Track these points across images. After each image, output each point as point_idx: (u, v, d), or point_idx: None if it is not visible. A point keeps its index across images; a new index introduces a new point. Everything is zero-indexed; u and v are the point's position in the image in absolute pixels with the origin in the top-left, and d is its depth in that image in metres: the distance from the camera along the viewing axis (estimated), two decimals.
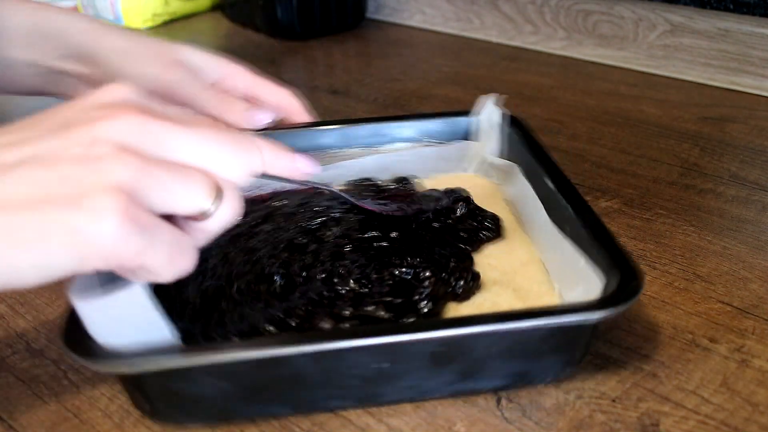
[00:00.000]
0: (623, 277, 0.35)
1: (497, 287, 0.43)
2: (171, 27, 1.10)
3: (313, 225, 0.46)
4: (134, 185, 0.28)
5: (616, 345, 0.40)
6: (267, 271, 0.42)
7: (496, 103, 0.55)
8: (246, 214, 0.48)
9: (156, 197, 0.29)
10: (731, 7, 0.74)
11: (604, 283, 0.36)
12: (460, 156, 0.56)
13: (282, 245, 0.44)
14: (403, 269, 0.42)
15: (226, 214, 0.31)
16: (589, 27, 0.87)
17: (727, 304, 0.43)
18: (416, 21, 1.05)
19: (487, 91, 0.79)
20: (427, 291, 0.40)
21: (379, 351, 0.33)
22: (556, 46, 0.91)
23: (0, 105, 0.73)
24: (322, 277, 0.41)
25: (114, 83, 0.32)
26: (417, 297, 0.39)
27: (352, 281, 0.40)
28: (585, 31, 0.88)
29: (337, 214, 0.47)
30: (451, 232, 0.46)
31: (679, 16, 0.79)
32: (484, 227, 0.47)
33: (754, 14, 0.73)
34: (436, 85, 0.82)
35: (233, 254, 0.44)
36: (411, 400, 0.36)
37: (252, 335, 0.37)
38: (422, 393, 0.36)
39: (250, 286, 0.41)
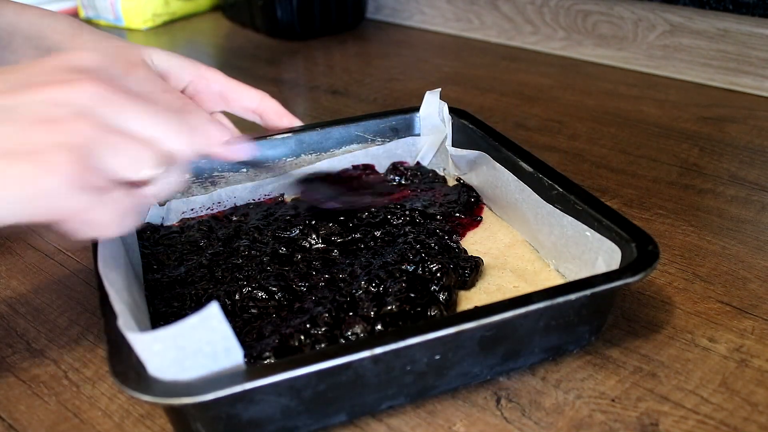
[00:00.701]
0: (639, 244, 0.38)
1: (495, 271, 0.45)
2: (171, 27, 1.10)
3: (292, 234, 0.47)
4: (87, 148, 0.30)
5: (616, 345, 0.40)
6: (264, 286, 0.41)
7: (440, 97, 0.57)
8: (212, 231, 0.49)
9: (106, 161, 0.31)
10: (730, 7, 0.74)
11: (620, 251, 0.38)
12: (409, 151, 0.57)
13: (266, 258, 0.44)
14: (412, 265, 0.42)
15: (168, 184, 0.34)
16: (589, 27, 0.87)
17: (727, 304, 0.43)
18: (416, 21, 1.05)
19: (486, 91, 0.80)
20: (442, 282, 0.41)
21: (436, 344, 0.34)
22: (556, 46, 0.91)
23: None
24: (323, 285, 0.42)
25: (82, 50, 0.34)
26: (434, 288, 0.40)
27: (363, 282, 0.40)
28: (584, 31, 0.88)
29: (311, 221, 0.47)
30: (428, 218, 0.48)
31: (678, 16, 0.79)
32: (453, 205, 0.50)
33: (753, 14, 0.73)
34: (436, 85, 0.81)
35: (220, 273, 0.44)
36: (456, 389, 0.37)
37: (285, 349, 0.36)
38: (470, 379, 0.37)
39: (253, 303, 0.41)
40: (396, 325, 0.38)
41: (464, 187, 0.53)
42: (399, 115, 0.57)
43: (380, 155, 0.56)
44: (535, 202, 0.45)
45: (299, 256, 0.45)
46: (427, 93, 0.56)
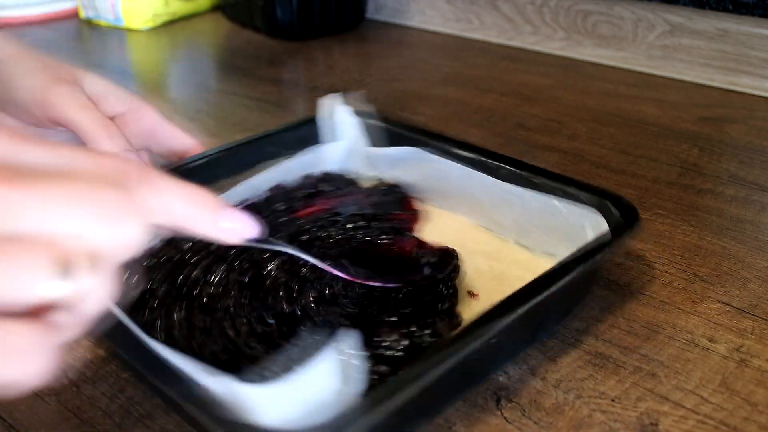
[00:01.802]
0: (613, 201, 0.42)
1: (463, 256, 0.45)
2: (171, 27, 1.10)
3: (252, 257, 0.44)
4: None
5: (616, 345, 0.40)
6: (261, 318, 0.39)
7: (343, 102, 0.55)
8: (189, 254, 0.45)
9: None
10: (730, 7, 0.74)
11: (597, 211, 0.42)
12: (318, 161, 0.55)
13: (235, 285, 0.42)
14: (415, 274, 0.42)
15: (88, 296, 0.22)
16: (589, 27, 0.87)
17: (726, 304, 0.43)
18: (416, 21, 1.05)
19: (486, 91, 0.80)
20: (450, 291, 0.41)
21: (502, 329, 0.34)
22: (556, 46, 0.91)
23: None
24: (317, 303, 0.40)
25: None
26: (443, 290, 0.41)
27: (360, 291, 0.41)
28: (584, 31, 0.88)
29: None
30: (371, 221, 0.48)
31: (678, 16, 0.80)
32: (386, 204, 0.50)
33: (752, 15, 0.73)
34: (436, 85, 0.82)
35: (204, 307, 0.41)
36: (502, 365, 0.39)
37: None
38: (511, 356, 0.39)
39: (253, 335, 0.38)
40: (414, 319, 0.38)
41: (387, 186, 0.53)
42: (304, 125, 0.55)
43: (292, 169, 0.53)
44: (489, 184, 0.48)
45: (268, 282, 0.42)
46: (325, 99, 0.54)
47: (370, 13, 1.09)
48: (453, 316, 0.40)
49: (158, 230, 0.25)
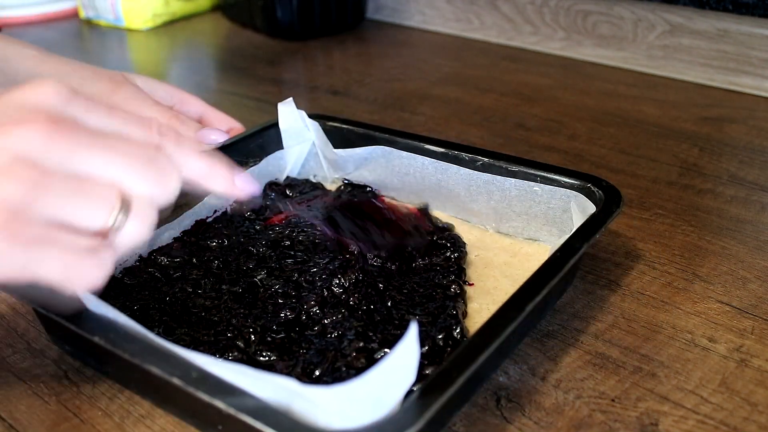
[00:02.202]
0: (594, 183, 0.45)
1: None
2: (171, 27, 1.10)
3: (247, 269, 0.44)
4: (23, 200, 0.28)
5: (616, 345, 0.40)
6: (268, 327, 0.39)
7: (293, 106, 0.55)
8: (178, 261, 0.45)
9: (51, 211, 0.28)
10: (730, 7, 0.74)
11: (577, 193, 0.45)
12: (279, 167, 0.55)
13: (229, 296, 0.42)
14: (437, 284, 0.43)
15: (133, 230, 0.30)
16: (589, 27, 0.87)
17: (726, 304, 0.43)
18: (416, 21, 1.05)
19: (486, 91, 0.80)
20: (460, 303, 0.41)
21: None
22: (556, 46, 0.91)
23: None
24: (321, 308, 0.40)
25: (42, 81, 0.31)
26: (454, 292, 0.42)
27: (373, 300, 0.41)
28: (584, 31, 0.88)
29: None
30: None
31: (678, 16, 0.80)
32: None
33: (753, 15, 0.73)
34: (436, 85, 0.82)
35: (203, 320, 0.40)
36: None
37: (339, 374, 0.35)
38: (523, 337, 0.41)
39: (263, 344, 0.38)
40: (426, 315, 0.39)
41: (352, 186, 0.53)
42: (262, 132, 0.54)
43: (256, 177, 0.52)
44: (465, 175, 0.49)
45: (262, 291, 0.42)
46: (280, 105, 0.54)
47: (370, 13, 1.09)
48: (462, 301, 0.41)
49: (187, 184, 0.33)
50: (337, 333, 0.38)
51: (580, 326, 0.41)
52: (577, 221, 0.44)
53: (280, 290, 0.41)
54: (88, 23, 1.12)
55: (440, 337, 0.37)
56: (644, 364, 0.38)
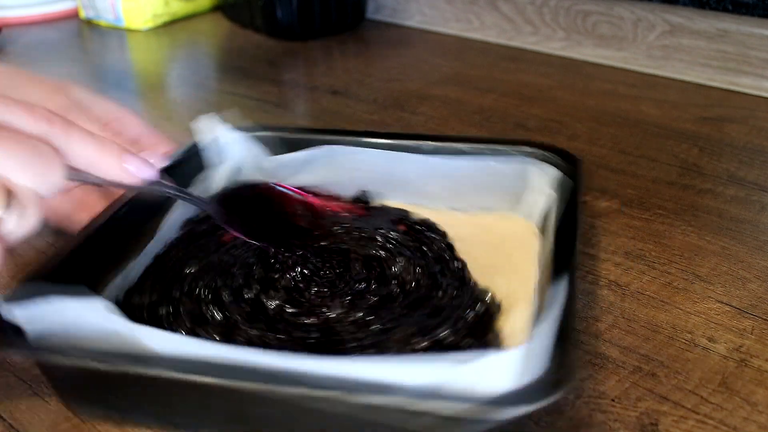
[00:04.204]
0: (554, 152, 0.47)
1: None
2: (171, 27, 1.10)
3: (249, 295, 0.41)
4: None
5: (616, 345, 0.40)
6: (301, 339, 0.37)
7: (221, 120, 0.52)
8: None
9: None
10: (730, 7, 0.74)
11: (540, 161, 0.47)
12: (217, 183, 0.51)
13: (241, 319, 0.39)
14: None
15: (18, 223, 0.31)
16: (589, 27, 0.87)
17: (726, 304, 0.43)
18: (416, 21, 1.05)
19: (486, 92, 0.80)
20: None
21: None
22: (556, 46, 0.91)
23: None
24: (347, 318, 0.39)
25: None
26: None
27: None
28: (584, 31, 0.88)
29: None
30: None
31: (678, 16, 0.80)
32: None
33: (752, 15, 0.73)
34: (436, 86, 0.82)
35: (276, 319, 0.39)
36: None
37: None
38: None
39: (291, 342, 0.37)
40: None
41: (294, 190, 0.51)
42: (191, 151, 0.51)
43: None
44: (419, 160, 0.49)
45: (279, 309, 0.39)
46: (198, 121, 0.51)
47: (370, 13, 1.09)
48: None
49: (76, 174, 0.33)
50: (378, 326, 0.37)
51: (579, 326, 0.41)
52: (538, 182, 0.47)
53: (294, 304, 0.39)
54: (88, 23, 1.12)
55: (474, 310, 0.38)
56: (644, 364, 0.38)
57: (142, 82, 0.92)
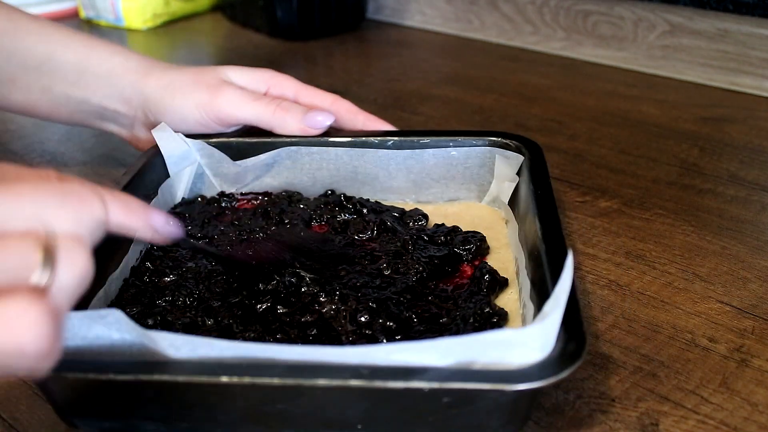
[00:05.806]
0: (516, 140, 0.50)
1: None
2: (171, 27, 1.10)
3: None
4: None
5: (616, 345, 0.40)
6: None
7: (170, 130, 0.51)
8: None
9: None
10: (730, 7, 0.74)
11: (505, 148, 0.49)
12: (176, 191, 0.52)
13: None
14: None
15: (67, 275, 0.26)
16: (589, 27, 0.87)
17: (727, 304, 0.43)
18: (416, 21, 1.05)
19: (486, 91, 0.80)
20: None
21: None
22: (556, 46, 0.91)
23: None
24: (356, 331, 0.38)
25: None
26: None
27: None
28: (584, 31, 0.88)
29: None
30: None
31: (678, 16, 0.80)
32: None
33: (753, 15, 0.73)
34: (436, 85, 0.82)
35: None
36: None
37: None
38: None
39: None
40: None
41: (259, 194, 0.52)
42: (152, 162, 0.50)
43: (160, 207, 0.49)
44: (384, 156, 0.50)
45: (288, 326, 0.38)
46: (154, 131, 0.51)
47: (370, 13, 1.09)
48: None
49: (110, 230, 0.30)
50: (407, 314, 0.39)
51: None
52: (502, 170, 0.49)
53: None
54: (89, 23, 1.12)
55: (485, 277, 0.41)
56: (644, 364, 0.38)
57: None
